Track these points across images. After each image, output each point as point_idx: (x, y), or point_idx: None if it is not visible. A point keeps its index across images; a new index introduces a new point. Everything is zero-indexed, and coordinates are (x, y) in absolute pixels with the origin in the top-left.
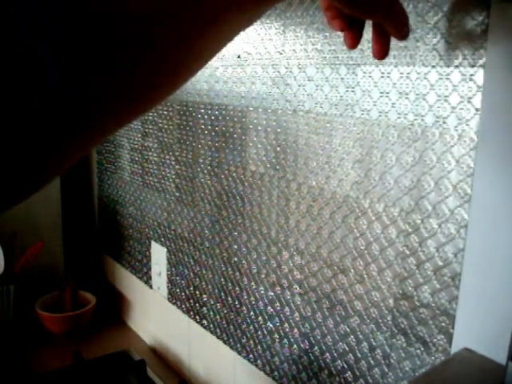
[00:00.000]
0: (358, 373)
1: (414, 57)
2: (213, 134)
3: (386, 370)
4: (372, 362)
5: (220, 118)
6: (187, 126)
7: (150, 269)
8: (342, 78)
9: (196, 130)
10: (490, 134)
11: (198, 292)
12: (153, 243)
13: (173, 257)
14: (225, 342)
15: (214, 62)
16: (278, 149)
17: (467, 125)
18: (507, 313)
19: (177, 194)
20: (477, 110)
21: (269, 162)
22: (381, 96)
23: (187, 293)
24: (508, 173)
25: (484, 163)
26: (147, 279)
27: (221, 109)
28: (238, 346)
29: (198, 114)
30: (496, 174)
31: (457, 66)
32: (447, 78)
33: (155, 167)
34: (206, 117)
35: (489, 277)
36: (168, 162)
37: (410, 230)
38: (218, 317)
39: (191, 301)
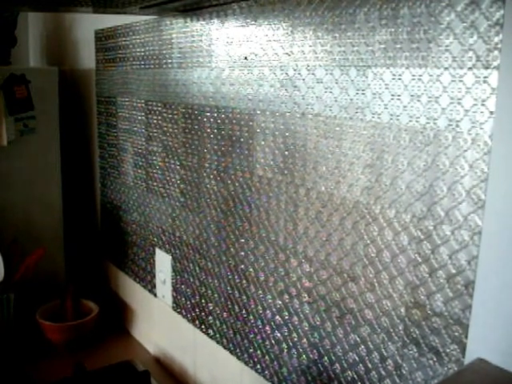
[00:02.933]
0: None
1: (427, 58)
2: (219, 137)
3: (398, 380)
4: (383, 372)
5: (226, 121)
6: (192, 129)
7: (154, 277)
8: (352, 80)
9: (202, 133)
10: (504, 137)
11: (203, 300)
12: (157, 250)
13: (178, 264)
14: (231, 352)
15: (220, 63)
16: (286, 153)
17: (481, 128)
18: None
19: (182, 200)
20: (491, 113)
21: (277, 166)
22: (392, 99)
23: (193, 301)
24: None
25: (498, 168)
26: (151, 287)
27: (227, 112)
28: (245, 356)
29: (203, 118)
30: (511, 179)
31: (470, 68)
32: (460, 80)
33: (159, 172)
34: (211, 120)
35: (503, 285)
36: (173, 166)
37: (422, 236)
38: (224, 326)
39: (197, 310)
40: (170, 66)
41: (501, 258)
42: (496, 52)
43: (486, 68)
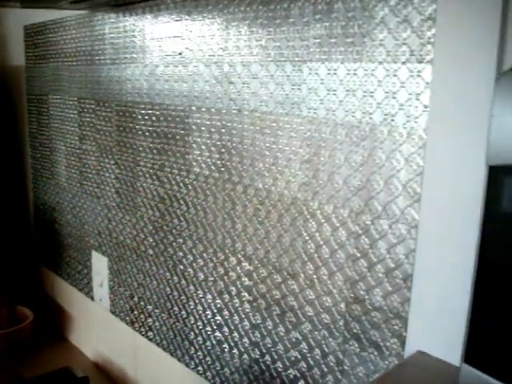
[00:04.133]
0: (311, 381)
1: (361, 53)
2: (154, 135)
3: (340, 376)
4: (325, 369)
5: (161, 118)
6: (127, 127)
7: (91, 280)
8: (288, 76)
9: (136, 131)
10: (438, 131)
11: (142, 302)
12: (93, 252)
13: (115, 266)
14: (172, 354)
15: (154, 59)
16: (223, 150)
17: (416, 122)
18: (460, 314)
19: (117, 200)
20: (425, 106)
21: (213, 163)
22: (328, 93)
23: (131, 304)
24: (457, 171)
25: (433, 161)
26: (88, 291)
27: (162, 109)
28: (186, 357)
29: (138, 115)
30: (445, 172)
31: (404, 62)
32: (395, 75)
33: (94, 172)
34: (146, 117)
35: (440, 278)
36: (107, 166)
37: (360, 231)
38: (164, 328)
39: (135, 312)
40: (102, 62)
41: (437, 251)
42: (429, 46)
43: (420, 62)
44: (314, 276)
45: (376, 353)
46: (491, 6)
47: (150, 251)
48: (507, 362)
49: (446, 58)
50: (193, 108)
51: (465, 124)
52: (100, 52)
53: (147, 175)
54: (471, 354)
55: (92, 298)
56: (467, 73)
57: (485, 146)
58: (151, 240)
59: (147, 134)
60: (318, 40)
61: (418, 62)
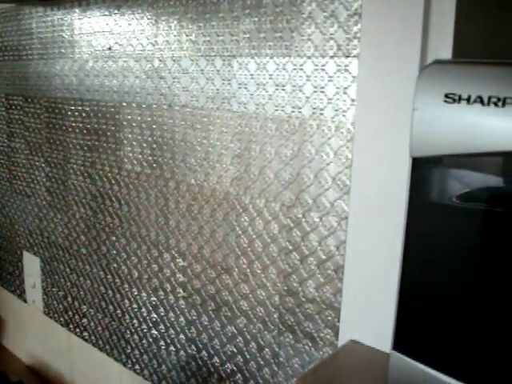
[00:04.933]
0: (248, 374)
1: (290, 48)
2: (84, 132)
3: (276, 368)
4: (261, 362)
5: (92, 114)
6: (57, 124)
7: (23, 281)
8: (218, 71)
9: (66, 128)
10: (365, 124)
11: (76, 303)
12: (25, 253)
13: (47, 266)
14: (108, 354)
15: (84, 54)
16: (154, 146)
17: (344, 116)
18: (389, 302)
19: (48, 199)
20: (353, 100)
21: (145, 160)
22: (257, 88)
23: (65, 304)
24: (383, 162)
25: (361, 154)
26: (21, 293)
27: (92, 105)
28: (123, 356)
29: (67, 111)
30: (373, 163)
31: (332, 57)
32: (323, 69)
33: (23, 170)
34: (76, 114)
35: (370, 267)
36: (37, 164)
37: (291, 224)
38: (99, 327)
39: (70, 312)
40: (30, 57)
41: (367, 242)
42: (355, 41)
43: (347, 57)
44: (248, 270)
45: (310, 344)
46: (414, 2)
47: (83, 250)
48: (432, 348)
49: (371, 53)
50: (123, 104)
51: (390, 117)
52: (27, 47)
53: (78, 173)
54: (399, 342)
55: (25, 300)
56: (392, 67)
57: (409, 139)
58: (84, 239)
59: (77, 130)
60: (247, 35)
61: (344, 57)
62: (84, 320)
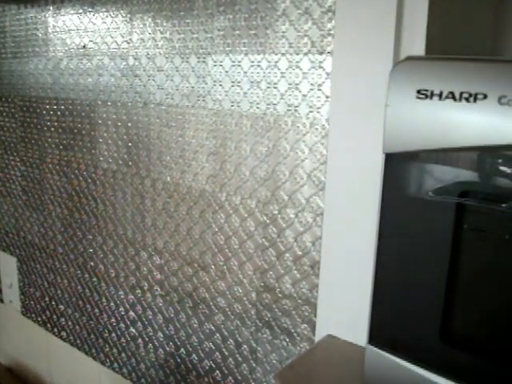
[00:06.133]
0: (226, 371)
1: (264, 45)
2: (60, 130)
3: (254, 364)
4: (239, 358)
5: (67, 113)
6: (31, 123)
7: (0, 281)
8: (193, 68)
9: (42, 127)
10: (339, 120)
11: (53, 302)
12: (1, 253)
13: (24, 266)
14: (87, 353)
15: (58, 52)
16: (130, 144)
17: (318, 112)
18: (365, 297)
19: (24, 198)
20: (327, 97)
21: (121, 158)
22: (232, 85)
23: (42, 304)
24: (358, 158)
25: (335, 150)
26: None
27: (67, 103)
28: (101, 355)
29: (42, 110)
30: (347, 160)
31: (306, 54)
32: (297, 66)
33: None
34: (51, 113)
35: (345, 263)
36: (12, 163)
37: (267, 221)
38: (77, 327)
39: (47, 312)
40: (3, 56)
41: (342, 237)
42: (329, 38)
43: (321, 53)
44: (225, 267)
45: (288, 339)
46: None
47: (60, 249)
48: (406, 342)
49: (345, 49)
50: (98, 102)
51: (364, 113)
52: (1, 45)
53: (54, 172)
54: (374, 336)
55: (1, 300)
56: (365, 64)
57: (382, 135)
58: (60, 238)
59: (53, 129)
60: (221, 32)
61: (319, 54)
62: (62, 319)
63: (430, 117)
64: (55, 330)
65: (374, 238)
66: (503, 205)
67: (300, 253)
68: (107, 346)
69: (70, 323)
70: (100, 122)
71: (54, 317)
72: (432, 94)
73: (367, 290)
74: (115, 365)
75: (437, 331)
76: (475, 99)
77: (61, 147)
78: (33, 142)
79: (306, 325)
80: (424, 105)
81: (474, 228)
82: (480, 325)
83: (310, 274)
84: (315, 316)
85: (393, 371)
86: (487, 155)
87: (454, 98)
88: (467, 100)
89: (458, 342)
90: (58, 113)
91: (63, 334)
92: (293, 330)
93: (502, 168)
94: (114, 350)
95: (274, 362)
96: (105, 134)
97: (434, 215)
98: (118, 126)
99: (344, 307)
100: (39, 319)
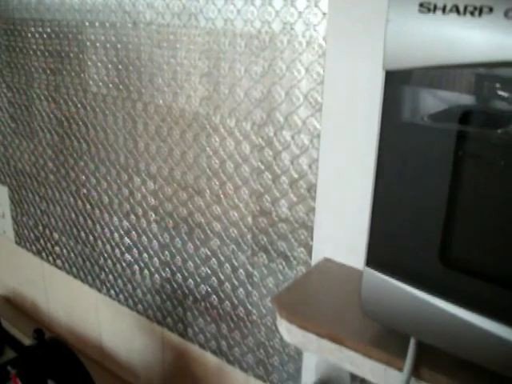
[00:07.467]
0: (222, 295)
1: None
2: (46, 54)
3: (250, 288)
4: (236, 282)
5: (53, 35)
6: (17, 47)
7: None
8: None
9: (27, 51)
10: (337, 39)
11: (47, 231)
12: None
13: (16, 195)
14: (83, 281)
15: None
16: (120, 67)
17: (315, 30)
18: (362, 220)
19: (12, 126)
20: (324, 14)
21: (111, 81)
22: (225, 3)
23: (36, 233)
24: (356, 77)
25: (333, 69)
26: None
27: (53, 25)
28: (98, 282)
29: (27, 33)
30: (345, 80)
31: None
32: None
33: None
34: (37, 35)
35: (342, 185)
36: None
37: (263, 143)
38: (72, 255)
39: (42, 241)
40: None
41: (339, 159)
42: None
43: None
44: (220, 191)
45: (284, 263)
46: None
47: (51, 177)
48: (404, 263)
49: None
50: (86, 23)
51: (363, 30)
52: None
53: (42, 97)
54: (372, 258)
55: None
56: None
57: (382, 51)
58: (51, 165)
59: (39, 53)
60: None
61: None
62: (56, 248)
63: (432, 32)
64: (50, 258)
65: (372, 161)
66: (498, 130)
67: (296, 176)
68: (103, 273)
69: (64, 251)
70: (88, 44)
71: (49, 245)
72: (435, 8)
73: (365, 213)
74: (112, 291)
75: (436, 253)
76: (480, 12)
77: (48, 72)
78: (19, 66)
79: (302, 248)
80: (426, 19)
81: (470, 154)
82: (478, 247)
83: (306, 197)
84: (312, 239)
85: (390, 294)
86: (486, 76)
87: (458, 11)
88: (472, 14)
89: (456, 264)
90: (44, 35)
91: (58, 262)
92: (289, 254)
93: (500, 92)
94: (110, 277)
95: (271, 285)
96: (93, 57)
97: (433, 138)
98: (107, 48)
99: (341, 230)
100: (34, 248)
